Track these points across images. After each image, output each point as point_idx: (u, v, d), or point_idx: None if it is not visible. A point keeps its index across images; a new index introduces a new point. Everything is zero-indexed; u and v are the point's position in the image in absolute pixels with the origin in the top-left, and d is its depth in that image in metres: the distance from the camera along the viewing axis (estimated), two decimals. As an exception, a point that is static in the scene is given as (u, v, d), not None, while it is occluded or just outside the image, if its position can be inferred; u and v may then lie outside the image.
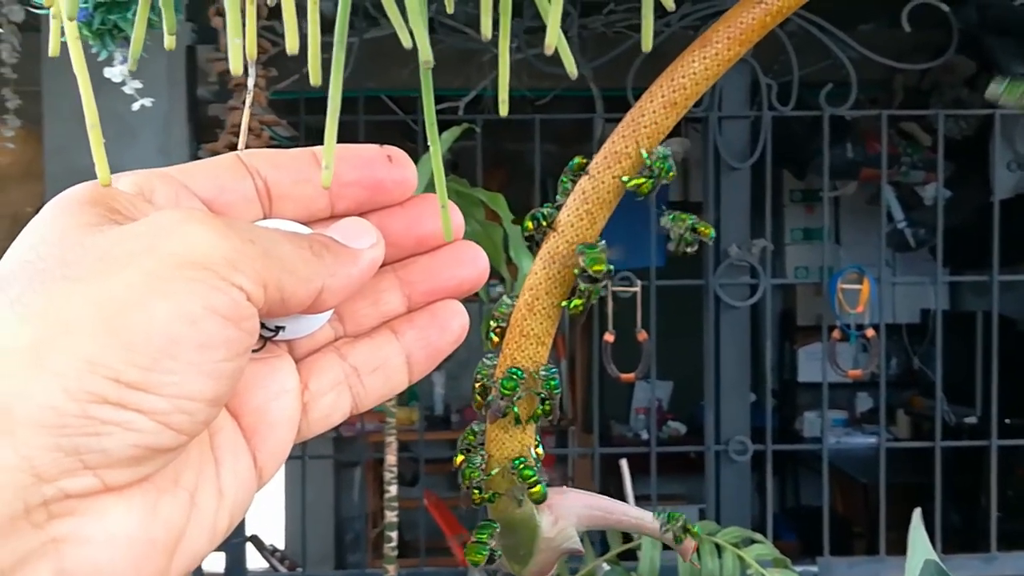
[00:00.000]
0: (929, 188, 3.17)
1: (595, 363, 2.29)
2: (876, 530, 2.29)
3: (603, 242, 0.36)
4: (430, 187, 0.36)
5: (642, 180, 0.36)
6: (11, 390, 0.25)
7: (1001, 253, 2.26)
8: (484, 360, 0.38)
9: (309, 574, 2.47)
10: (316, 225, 0.35)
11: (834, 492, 3.67)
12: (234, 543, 2.24)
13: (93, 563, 0.26)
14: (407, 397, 3.96)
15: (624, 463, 1.66)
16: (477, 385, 0.38)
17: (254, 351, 0.33)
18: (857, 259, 2.80)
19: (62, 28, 0.33)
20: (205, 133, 2.18)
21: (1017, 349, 2.99)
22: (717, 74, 0.35)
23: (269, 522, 3.96)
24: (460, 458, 0.39)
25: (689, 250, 0.38)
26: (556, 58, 0.34)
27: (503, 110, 0.33)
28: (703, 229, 0.38)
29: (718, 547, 1.42)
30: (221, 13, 1.36)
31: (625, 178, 0.36)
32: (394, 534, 1.73)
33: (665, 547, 1.33)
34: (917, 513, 0.70)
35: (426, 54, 0.30)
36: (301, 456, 2.36)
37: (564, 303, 0.37)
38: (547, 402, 0.37)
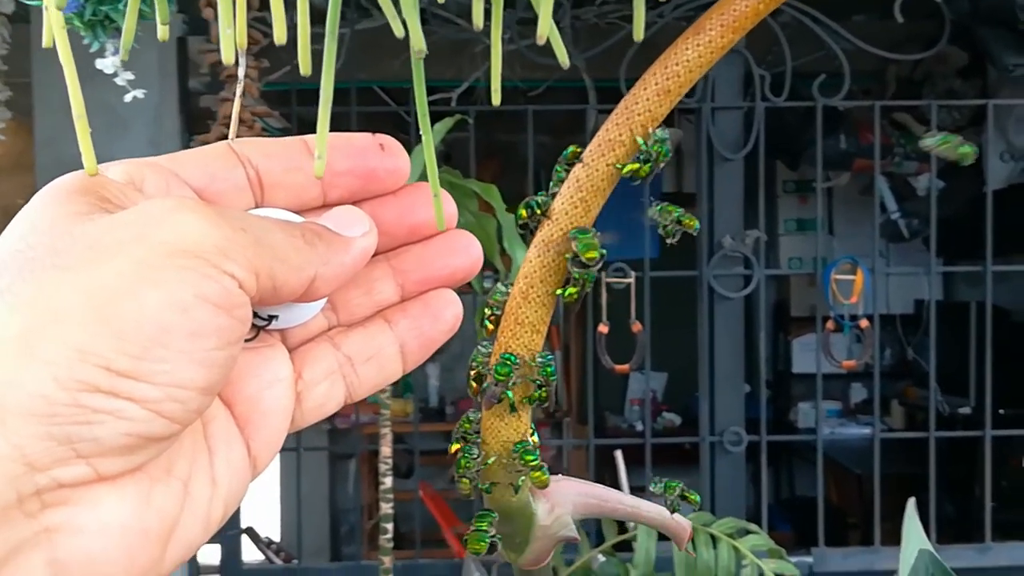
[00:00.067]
0: (922, 179, 3.17)
1: (589, 354, 2.29)
2: (871, 521, 2.30)
3: (595, 230, 0.36)
4: (423, 178, 0.36)
5: (636, 165, 0.35)
6: (1, 379, 0.25)
7: (994, 243, 2.26)
8: (479, 348, 0.38)
9: (304, 566, 2.47)
10: (308, 214, 0.35)
11: (828, 483, 3.67)
12: (229, 535, 2.24)
13: (86, 552, 0.26)
14: (402, 389, 3.97)
15: (619, 454, 1.66)
16: (472, 373, 0.38)
17: (247, 340, 0.33)
18: (851, 250, 2.81)
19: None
20: (196, 124, 2.17)
21: (1011, 339, 2.99)
22: (711, 61, 0.35)
23: (264, 514, 3.96)
24: (455, 446, 0.39)
25: (671, 240, 0.38)
26: (549, 49, 0.33)
27: (495, 99, 0.33)
28: (688, 221, 0.38)
29: (713, 538, 1.42)
30: (212, 4, 1.36)
31: (619, 165, 0.36)
32: (389, 526, 1.73)
33: (660, 538, 1.33)
34: (911, 503, 0.70)
35: (419, 43, 0.29)
36: (296, 448, 2.36)
37: (559, 291, 0.37)
38: (543, 388, 0.37)
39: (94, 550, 0.27)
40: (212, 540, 2.26)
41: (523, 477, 0.38)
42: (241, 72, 0.36)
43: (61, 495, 0.26)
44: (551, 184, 0.37)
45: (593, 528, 2.36)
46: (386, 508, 1.72)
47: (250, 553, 2.75)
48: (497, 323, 0.38)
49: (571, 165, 0.37)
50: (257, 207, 0.34)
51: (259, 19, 1.51)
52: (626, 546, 1.50)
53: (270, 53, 1.56)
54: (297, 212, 0.35)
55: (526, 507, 0.39)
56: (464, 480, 0.39)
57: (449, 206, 0.36)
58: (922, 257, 3.00)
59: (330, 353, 0.36)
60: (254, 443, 0.33)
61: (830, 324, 2.31)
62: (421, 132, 0.33)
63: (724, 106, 2.22)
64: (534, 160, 2.25)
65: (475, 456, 0.39)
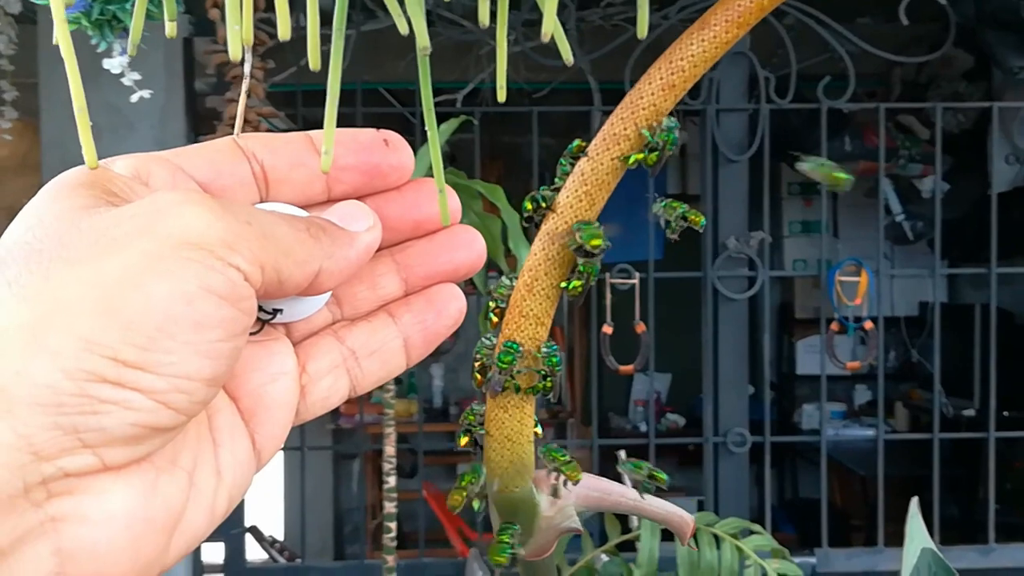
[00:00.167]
0: (927, 181, 3.17)
1: (594, 355, 2.29)
2: (874, 522, 2.30)
3: (599, 223, 0.37)
4: (428, 175, 0.36)
5: (643, 155, 0.36)
6: (8, 369, 0.25)
7: (999, 246, 2.26)
8: (483, 340, 0.38)
9: (308, 565, 2.47)
10: (313, 209, 0.35)
11: (832, 484, 3.67)
12: (233, 534, 2.24)
13: (91, 542, 0.27)
14: (406, 390, 3.97)
15: (623, 455, 1.66)
16: (476, 364, 0.38)
17: (252, 334, 0.33)
18: (855, 252, 2.80)
19: (67, 19, 0.32)
20: (202, 125, 2.18)
21: (1015, 342, 2.99)
22: (715, 57, 0.35)
23: (268, 513, 3.96)
24: (464, 439, 0.39)
25: (673, 236, 0.38)
26: (553, 51, 0.34)
27: (500, 96, 0.33)
28: (693, 217, 0.38)
29: (717, 538, 1.42)
30: (219, 5, 1.36)
31: (625, 156, 0.36)
32: (393, 525, 1.74)
33: (664, 538, 1.33)
34: (914, 502, 0.70)
35: (424, 40, 0.30)
36: (300, 447, 2.36)
37: (563, 284, 0.37)
38: (548, 379, 0.38)
39: (99, 539, 0.27)
40: (216, 539, 2.27)
41: (559, 476, 0.39)
42: (247, 68, 0.36)
43: (67, 484, 0.26)
44: (556, 179, 0.38)
45: (596, 528, 2.36)
46: (390, 507, 1.72)
47: (254, 552, 2.75)
48: (501, 316, 0.38)
49: (575, 159, 0.37)
50: (262, 202, 0.35)
51: (265, 20, 1.52)
52: (629, 546, 1.50)
53: (276, 54, 1.56)
54: (302, 207, 0.35)
55: (530, 499, 0.39)
56: (461, 493, 0.39)
57: (453, 201, 0.36)
58: (926, 259, 3.00)
59: (334, 347, 0.36)
60: (259, 436, 0.33)
61: (834, 326, 2.30)
62: (427, 128, 0.33)
63: (729, 108, 2.22)
64: (538, 161, 2.26)
65: (480, 478, 0.39)
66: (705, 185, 2.30)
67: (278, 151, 0.35)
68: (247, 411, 0.33)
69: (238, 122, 0.41)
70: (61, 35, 0.30)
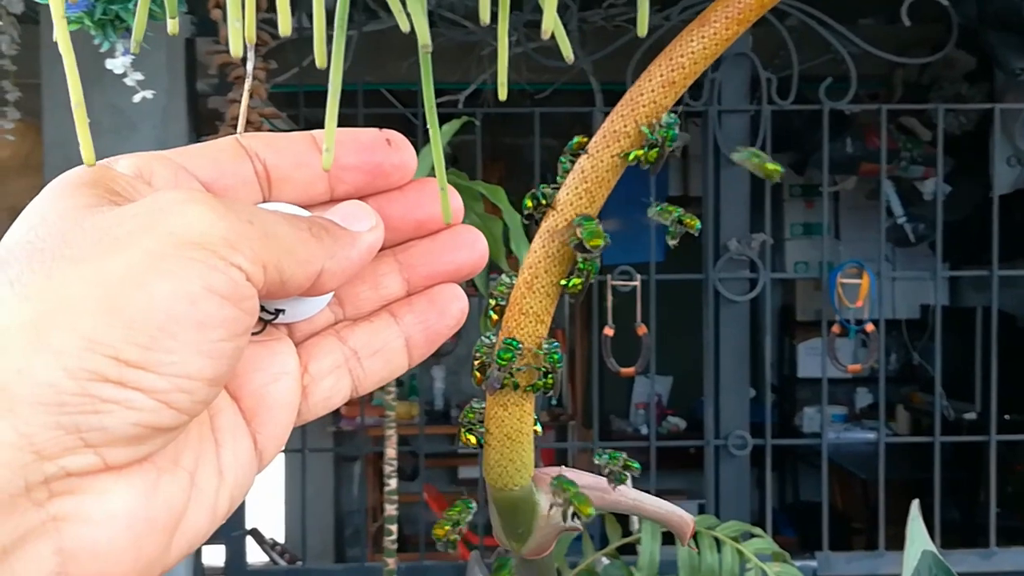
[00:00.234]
0: (929, 183, 3.17)
1: (595, 357, 2.29)
2: (875, 525, 2.29)
3: (599, 220, 0.37)
4: (430, 175, 0.36)
5: (642, 152, 0.36)
6: (11, 368, 0.25)
7: (1001, 248, 2.26)
8: (483, 338, 0.38)
9: (309, 568, 2.47)
10: (315, 209, 0.35)
11: (833, 487, 3.67)
12: (234, 536, 2.24)
13: (93, 541, 0.26)
14: (407, 392, 3.97)
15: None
16: (476, 363, 0.38)
17: (254, 334, 0.33)
18: (857, 254, 2.80)
19: (68, 18, 0.33)
20: (204, 126, 2.18)
21: (1016, 345, 2.99)
22: (716, 54, 0.35)
23: (269, 516, 3.97)
24: (464, 436, 0.39)
25: (673, 242, 0.38)
26: (555, 52, 0.34)
27: (502, 94, 0.33)
28: (688, 220, 0.38)
29: (717, 541, 1.42)
30: (221, 5, 1.36)
31: (624, 153, 0.36)
32: (394, 528, 1.74)
33: (664, 541, 1.33)
34: (915, 505, 0.70)
35: (424, 38, 0.30)
36: (301, 450, 2.36)
37: (563, 282, 0.37)
38: (550, 376, 0.38)
39: (101, 539, 0.27)
40: (217, 541, 2.27)
41: (569, 509, 0.39)
42: (250, 67, 0.36)
43: (69, 484, 0.26)
44: (557, 177, 0.38)
45: (597, 531, 2.35)
46: (390, 510, 1.72)
47: (254, 554, 2.75)
48: (501, 314, 0.38)
49: (576, 156, 0.37)
50: (265, 201, 0.35)
51: (267, 21, 1.52)
52: (630, 549, 1.50)
53: (278, 55, 1.56)
54: (304, 207, 0.35)
55: (529, 497, 0.39)
56: (445, 528, 0.40)
57: (455, 201, 0.36)
58: (928, 262, 2.99)
59: (336, 347, 0.36)
60: (260, 436, 0.33)
61: (835, 328, 2.30)
62: (428, 126, 0.33)
63: (731, 109, 2.22)
64: (540, 163, 2.26)
65: (470, 513, 0.39)
66: (707, 187, 2.30)
67: (281, 151, 0.35)
68: (249, 411, 0.33)
69: (241, 121, 0.41)
70: (60, 32, 0.30)
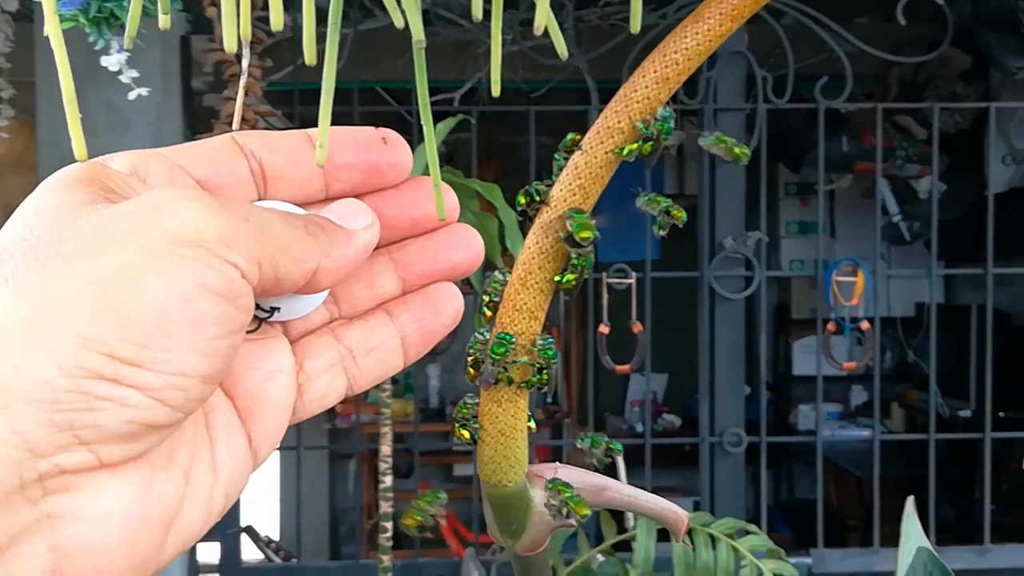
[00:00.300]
0: (924, 182, 3.17)
1: (590, 355, 2.29)
2: (870, 523, 2.30)
3: (593, 221, 0.37)
4: (426, 174, 0.36)
5: (636, 146, 0.36)
6: (5, 365, 0.25)
7: (995, 247, 2.26)
8: (476, 335, 0.38)
9: (304, 565, 2.47)
10: (311, 207, 0.35)
11: (828, 485, 3.67)
12: (229, 534, 2.24)
13: (87, 539, 0.26)
14: (403, 390, 3.97)
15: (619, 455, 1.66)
16: (470, 359, 0.38)
17: (249, 332, 0.33)
18: (852, 252, 2.80)
19: (62, 16, 0.33)
20: (199, 124, 2.18)
21: (1011, 343, 2.99)
22: (709, 50, 0.35)
23: (264, 513, 3.96)
24: (467, 434, 0.39)
25: (662, 232, 0.38)
26: (551, 50, 0.34)
27: (495, 91, 0.33)
28: (676, 212, 0.38)
29: (713, 538, 1.42)
30: (216, 3, 1.36)
31: (619, 149, 0.36)
32: (389, 525, 1.73)
33: (659, 538, 1.33)
34: (910, 502, 0.70)
35: (418, 33, 0.30)
36: (296, 447, 2.36)
37: (557, 278, 0.37)
38: (544, 372, 0.38)
39: (95, 537, 0.27)
40: (212, 538, 2.27)
41: (565, 507, 0.39)
42: (245, 64, 0.36)
43: (63, 481, 0.26)
44: (552, 175, 0.38)
45: (592, 528, 2.36)
46: (386, 507, 1.72)
47: (249, 552, 2.75)
48: (495, 310, 0.38)
49: (570, 153, 0.37)
50: (260, 199, 0.35)
51: (262, 18, 1.52)
52: (626, 546, 1.50)
53: (273, 52, 1.56)
54: (300, 205, 0.35)
55: (523, 494, 0.39)
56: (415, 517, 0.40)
57: (450, 199, 0.36)
58: (923, 260, 3.00)
59: (331, 345, 0.36)
60: (255, 434, 0.33)
61: (831, 326, 2.31)
62: (422, 123, 0.33)
63: (726, 107, 2.22)
64: (536, 161, 2.26)
65: (440, 502, 0.40)
66: (702, 185, 2.30)
67: (276, 149, 0.35)
68: (244, 409, 0.33)
69: (236, 116, 0.41)
70: (52, 28, 0.30)
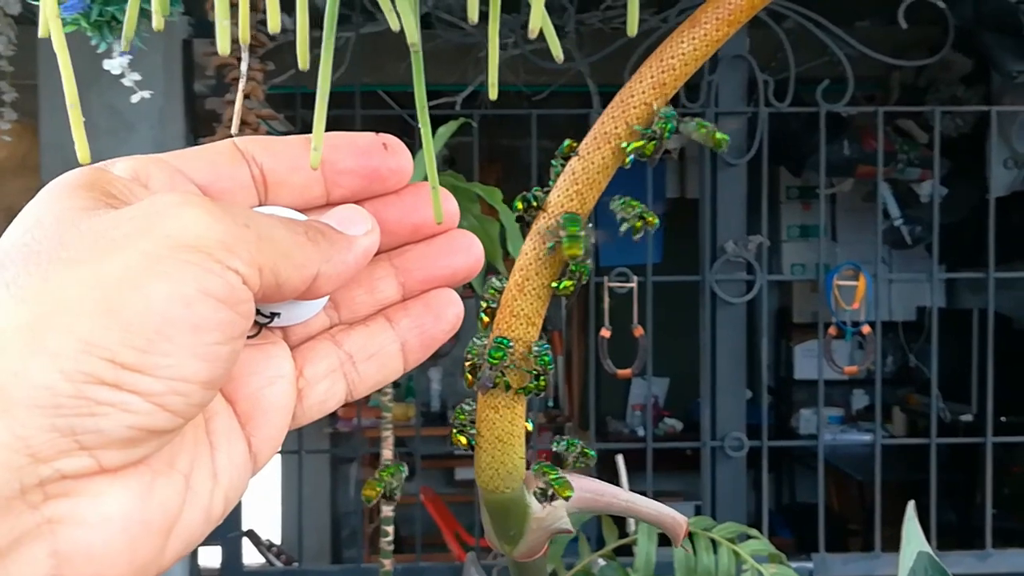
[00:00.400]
0: (925, 185, 3.17)
1: (592, 359, 2.29)
2: (871, 527, 2.30)
3: (590, 225, 0.37)
4: (426, 179, 0.37)
5: (642, 143, 0.36)
6: (7, 370, 0.25)
7: (997, 251, 2.26)
8: (474, 340, 0.38)
9: (305, 569, 2.47)
10: (312, 213, 0.35)
11: (829, 489, 3.67)
12: (230, 537, 2.24)
13: (88, 544, 0.27)
14: (404, 393, 3.97)
15: (620, 459, 1.66)
16: (468, 364, 0.38)
17: (249, 337, 0.33)
18: (853, 256, 2.81)
19: (64, 19, 0.33)
20: (202, 127, 2.18)
21: (1013, 347, 2.99)
22: (706, 55, 0.35)
23: (266, 517, 3.96)
24: (464, 440, 0.40)
25: (636, 237, 0.39)
26: (552, 53, 0.34)
27: (492, 94, 0.33)
28: (650, 218, 0.38)
29: (714, 542, 1.42)
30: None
31: (624, 144, 0.36)
32: (390, 529, 1.73)
33: (661, 542, 1.33)
34: (911, 506, 0.70)
35: (412, 36, 0.30)
36: (298, 451, 2.36)
37: (554, 284, 0.37)
38: (541, 378, 0.38)
39: (96, 542, 0.27)
40: (213, 542, 2.26)
41: (549, 489, 0.39)
42: (244, 67, 0.36)
43: (64, 486, 0.26)
44: (550, 181, 0.38)
45: (593, 532, 2.36)
46: (387, 511, 1.72)
47: (251, 556, 2.75)
48: (493, 316, 0.38)
49: (567, 159, 0.37)
50: (261, 205, 0.35)
51: (264, 22, 1.52)
52: (627, 550, 1.50)
53: (274, 56, 1.56)
54: (301, 210, 0.35)
55: (521, 500, 0.39)
56: (376, 488, 0.40)
57: (450, 204, 0.37)
58: (925, 264, 2.99)
59: (331, 351, 0.36)
60: (255, 439, 0.33)
61: (832, 330, 2.30)
62: (420, 125, 0.34)
63: (728, 111, 2.22)
64: (537, 164, 2.26)
65: (400, 474, 0.40)
66: (704, 189, 2.30)
67: (277, 154, 0.35)
68: (244, 414, 0.33)
69: (235, 121, 0.41)
70: (54, 32, 0.30)
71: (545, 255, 0.37)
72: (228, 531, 2.23)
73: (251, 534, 2.94)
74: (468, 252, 0.37)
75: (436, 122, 1.50)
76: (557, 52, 0.33)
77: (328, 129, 0.34)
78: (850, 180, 3.32)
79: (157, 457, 0.29)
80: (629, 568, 1.44)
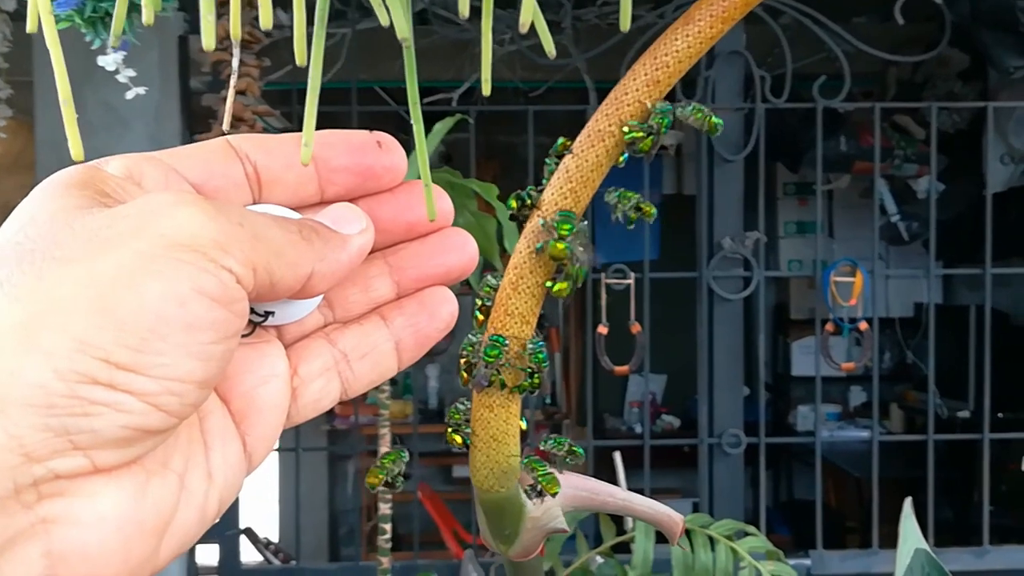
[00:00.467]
0: (922, 181, 3.17)
1: (589, 356, 2.29)
2: (869, 524, 2.30)
3: (585, 223, 0.37)
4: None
5: (641, 134, 0.36)
6: (1, 369, 0.25)
7: (994, 247, 2.26)
8: (469, 337, 0.38)
9: (303, 567, 2.47)
10: (306, 211, 0.35)
11: (827, 486, 3.68)
12: (228, 536, 2.24)
13: (82, 544, 0.26)
14: (401, 391, 3.97)
15: (618, 456, 1.66)
16: (462, 362, 0.38)
17: (244, 336, 0.33)
18: (850, 252, 2.80)
19: (58, 16, 0.32)
20: (198, 124, 2.18)
21: (1010, 343, 2.99)
22: (700, 52, 0.35)
23: (263, 515, 3.96)
24: (459, 439, 0.39)
25: (630, 227, 0.39)
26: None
27: (486, 90, 0.33)
28: (646, 208, 0.38)
29: (711, 539, 1.42)
30: (216, 2, 1.36)
31: (626, 129, 0.36)
32: (388, 527, 1.73)
33: (658, 540, 1.33)
34: (908, 503, 0.70)
35: (402, 32, 0.30)
36: (295, 449, 2.36)
37: (548, 283, 0.37)
38: (535, 376, 0.38)
39: (90, 542, 0.27)
40: (211, 540, 2.26)
41: (537, 485, 0.39)
42: (235, 63, 0.36)
43: (58, 486, 0.26)
44: (543, 180, 0.38)
45: (591, 530, 2.36)
46: (384, 509, 1.72)
47: (248, 554, 2.75)
48: (487, 314, 0.38)
49: (560, 158, 0.37)
50: (255, 203, 0.35)
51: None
52: (625, 547, 1.50)
53: (271, 52, 1.56)
54: (295, 209, 0.35)
55: (516, 499, 0.39)
56: (379, 475, 0.40)
57: (444, 202, 0.36)
58: (922, 260, 3.00)
59: (326, 349, 0.36)
60: (250, 438, 0.33)
61: (829, 326, 2.31)
62: (412, 121, 0.33)
63: (724, 107, 2.22)
64: (534, 161, 2.26)
65: (402, 461, 0.40)
66: (700, 185, 2.30)
67: (271, 152, 0.35)
68: (238, 413, 0.33)
69: (227, 118, 0.41)
70: (46, 25, 0.30)
71: (536, 254, 0.37)
72: (226, 529, 2.23)
73: (249, 532, 2.94)
74: (462, 250, 0.37)
75: (433, 118, 1.50)
76: (549, 47, 0.33)
77: (325, 126, 0.34)
78: (847, 176, 3.33)
79: (151, 457, 0.29)
80: (627, 565, 1.44)
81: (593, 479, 0.41)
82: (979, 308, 2.39)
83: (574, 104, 2.44)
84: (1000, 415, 2.77)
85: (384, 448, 1.71)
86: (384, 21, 0.29)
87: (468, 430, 0.39)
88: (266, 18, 0.30)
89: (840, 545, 3.49)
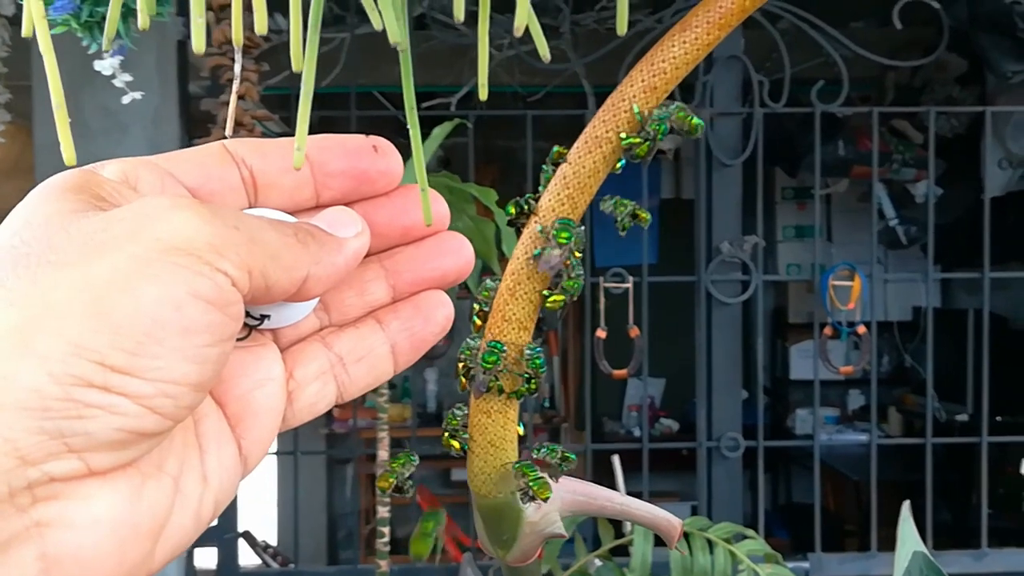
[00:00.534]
0: (920, 186, 3.17)
1: (587, 359, 2.29)
2: (867, 527, 2.30)
3: (582, 228, 0.37)
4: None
5: (638, 140, 0.36)
6: None
7: (992, 251, 2.26)
8: (467, 341, 0.38)
9: (301, 570, 2.47)
10: (301, 215, 0.35)
11: (825, 489, 3.68)
12: (226, 539, 2.24)
13: (77, 547, 0.26)
14: (400, 394, 3.97)
15: (616, 459, 1.66)
16: (460, 366, 0.38)
17: (239, 339, 0.33)
18: (849, 257, 2.81)
19: (54, 20, 0.33)
20: (196, 129, 2.18)
21: (1008, 347, 2.99)
22: (697, 58, 0.35)
23: (262, 518, 3.96)
24: (457, 445, 0.39)
25: (622, 234, 0.39)
26: (549, 54, 0.34)
27: (482, 94, 0.33)
28: (642, 215, 0.38)
29: (710, 543, 1.42)
30: (213, 7, 1.36)
31: (623, 135, 0.36)
32: (386, 530, 1.73)
33: (657, 543, 1.33)
34: (906, 506, 0.70)
35: (395, 36, 0.30)
36: (294, 452, 2.36)
37: (544, 292, 0.37)
38: (533, 381, 0.38)
39: (85, 545, 0.27)
40: (209, 543, 2.26)
41: (529, 490, 0.39)
42: (237, 68, 0.36)
43: (52, 489, 0.26)
44: (540, 187, 0.38)
45: (590, 533, 2.35)
46: (383, 512, 1.72)
47: (247, 557, 2.75)
48: (485, 319, 0.38)
49: (557, 165, 0.37)
50: (251, 207, 0.35)
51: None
52: (623, 550, 1.50)
53: (270, 57, 1.56)
54: (290, 213, 0.35)
55: (514, 504, 0.39)
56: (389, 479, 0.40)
57: (440, 206, 0.37)
58: (920, 264, 3.00)
59: (321, 353, 0.36)
60: (245, 441, 0.33)
61: (828, 330, 2.31)
62: (408, 125, 0.33)
63: (723, 112, 2.22)
64: (533, 165, 2.26)
65: (412, 464, 0.39)
66: (699, 189, 2.30)
67: (267, 156, 0.35)
68: (234, 417, 0.33)
69: (229, 123, 0.41)
70: (39, 30, 0.30)
71: (533, 260, 0.37)
72: (224, 532, 2.22)
73: (247, 535, 2.93)
74: (458, 254, 0.37)
75: (432, 123, 1.50)
76: (544, 51, 0.33)
77: (324, 130, 0.34)
78: (845, 181, 3.33)
79: (146, 460, 0.29)
80: (625, 568, 1.44)
81: (591, 483, 0.41)
82: (977, 312, 2.39)
83: (572, 108, 2.45)
84: (998, 419, 2.77)
85: (383, 452, 1.71)
86: (377, 25, 0.30)
87: (466, 435, 0.39)
88: (261, 23, 0.30)
89: (839, 548, 3.49)
